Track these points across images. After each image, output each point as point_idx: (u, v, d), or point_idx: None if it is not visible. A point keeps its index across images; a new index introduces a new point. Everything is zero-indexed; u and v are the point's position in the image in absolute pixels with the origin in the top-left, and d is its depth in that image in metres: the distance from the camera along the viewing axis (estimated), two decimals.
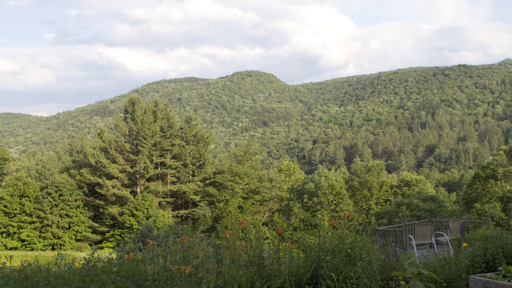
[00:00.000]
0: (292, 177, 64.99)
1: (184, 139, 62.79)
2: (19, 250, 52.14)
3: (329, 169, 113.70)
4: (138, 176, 57.93)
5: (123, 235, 50.43)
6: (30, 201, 55.16)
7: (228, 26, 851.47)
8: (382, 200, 60.74)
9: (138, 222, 48.97)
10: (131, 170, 57.52)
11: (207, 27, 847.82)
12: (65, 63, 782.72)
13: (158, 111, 61.40)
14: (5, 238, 53.27)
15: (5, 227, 53.41)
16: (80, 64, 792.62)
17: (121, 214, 53.71)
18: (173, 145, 61.45)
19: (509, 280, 5.52)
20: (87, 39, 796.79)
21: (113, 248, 48.18)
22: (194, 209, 57.21)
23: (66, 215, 54.96)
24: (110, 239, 53.58)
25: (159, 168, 60.08)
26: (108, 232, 54.79)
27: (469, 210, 39.26)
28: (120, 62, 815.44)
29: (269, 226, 43.46)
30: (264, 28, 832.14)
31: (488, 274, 5.78)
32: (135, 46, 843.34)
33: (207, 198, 57.31)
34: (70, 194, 55.53)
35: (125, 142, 58.25)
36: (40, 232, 54.56)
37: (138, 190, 58.12)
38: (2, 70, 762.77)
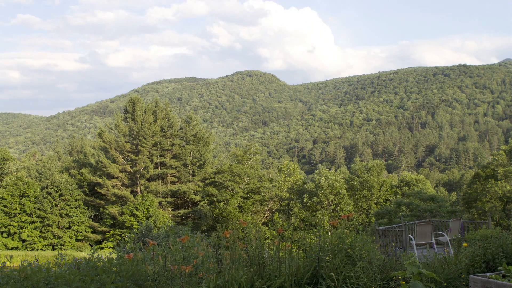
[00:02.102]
0: (292, 177, 64.91)
1: (184, 139, 62.82)
2: (20, 250, 52.17)
3: (329, 169, 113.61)
4: (138, 176, 57.95)
5: (123, 235, 50.48)
6: (30, 201, 55.19)
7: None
8: (382, 200, 60.73)
9: (138, 222, 48.99)
10: (131, 170, 57.54)
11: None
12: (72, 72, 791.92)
13: (158, 111, 61.42)
14: (5, 238, 53.32)
15: (5, 227, 53.45)
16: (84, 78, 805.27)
17: (121, 214, 53.71)
18: (173, 145, 61.47)
19: (509, 280, 5.52)
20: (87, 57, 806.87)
21: (113, 248, 48.16)
22: (194, 209, 57.24)
23: (66, 215, 54.98)
24: (110, 239, 53.60)
25: (159, 168, 60.10)
26: (108, 232, 54.79)
27: (469, 210, 39.23)
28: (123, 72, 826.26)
29: (269, 226, 43.37)
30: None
31: (488, 274, 5.77)
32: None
33: (207, 198, 57.31)
34: (70, 194, 55.55)
35: (125, 142, 58.27)
36: (40, 232, 54.58)
37: (138, 190, 58.13)
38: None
